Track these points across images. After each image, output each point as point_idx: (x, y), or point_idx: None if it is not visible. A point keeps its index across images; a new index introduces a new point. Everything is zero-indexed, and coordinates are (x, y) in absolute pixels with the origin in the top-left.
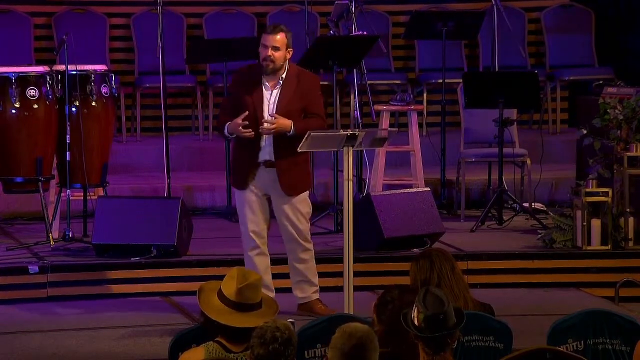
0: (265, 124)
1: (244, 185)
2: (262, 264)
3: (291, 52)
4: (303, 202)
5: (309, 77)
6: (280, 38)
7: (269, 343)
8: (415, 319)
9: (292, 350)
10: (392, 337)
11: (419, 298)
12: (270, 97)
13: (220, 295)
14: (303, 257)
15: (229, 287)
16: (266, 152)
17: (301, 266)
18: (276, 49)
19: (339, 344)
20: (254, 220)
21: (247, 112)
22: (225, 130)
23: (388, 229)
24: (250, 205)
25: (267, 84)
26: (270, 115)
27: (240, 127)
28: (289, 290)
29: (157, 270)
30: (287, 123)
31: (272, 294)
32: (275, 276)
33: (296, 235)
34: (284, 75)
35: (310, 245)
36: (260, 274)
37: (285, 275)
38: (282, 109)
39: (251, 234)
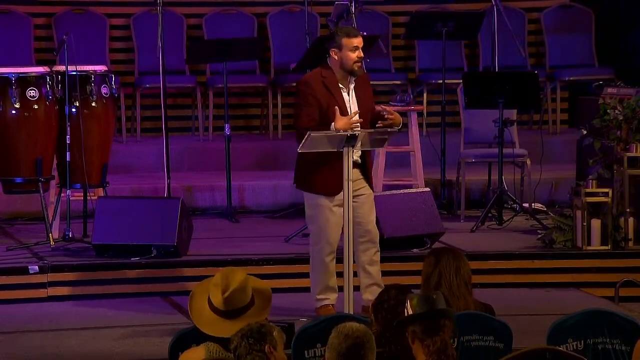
0: (387, 115)
1: (337, 190)
2: (333, 266)
3: None
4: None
5: (367, 76)
6: (361, 39)
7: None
8: (409, 308)
9: (270, 338)
10: (388, 336)
11: (408, 297)
12: (349, 98)
13: (210, 303)
14: (375, 260)
15: (216, 297)
16: (356, 152)
17: (373, 269)
18: (360, 49)
19: (336, 344)
20: (336, 229)
21: (356, 111)
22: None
23: (388, 229)
24: (336, 211)
25: (341, 86)
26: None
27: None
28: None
29: (157, 270)
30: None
31: (335, 295)
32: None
33: (374, 235)
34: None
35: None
36: (333, 277)
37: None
38: (363, 109)
39: (332, 242)
